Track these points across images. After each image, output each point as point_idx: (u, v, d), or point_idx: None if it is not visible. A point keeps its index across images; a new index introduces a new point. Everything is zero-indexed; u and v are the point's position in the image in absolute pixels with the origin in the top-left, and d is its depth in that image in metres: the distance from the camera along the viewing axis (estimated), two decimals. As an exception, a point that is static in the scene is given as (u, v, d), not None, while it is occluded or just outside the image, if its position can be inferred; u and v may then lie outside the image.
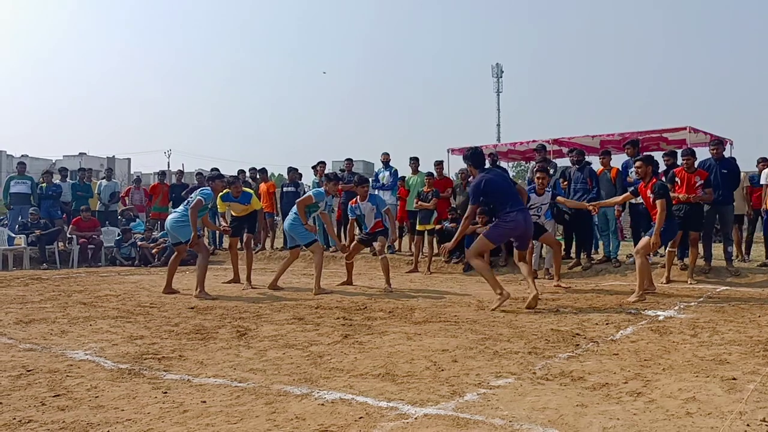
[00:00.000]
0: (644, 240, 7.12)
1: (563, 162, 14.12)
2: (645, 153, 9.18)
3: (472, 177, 6.96)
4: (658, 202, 7.00)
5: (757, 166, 10.17)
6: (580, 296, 7.30)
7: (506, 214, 6.41)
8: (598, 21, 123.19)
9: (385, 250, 8.52)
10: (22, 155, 49.18)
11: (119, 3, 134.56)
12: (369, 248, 11.33)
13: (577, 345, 4.54)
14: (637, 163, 7.74)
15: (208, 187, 7.94)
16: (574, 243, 10.08)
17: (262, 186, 13.02)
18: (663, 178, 8.81)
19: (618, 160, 10.32)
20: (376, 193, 10.52)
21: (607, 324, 5.40)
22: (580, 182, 9.41)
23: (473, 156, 6.71)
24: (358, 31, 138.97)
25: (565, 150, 13.89)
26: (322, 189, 8.20)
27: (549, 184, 8.48)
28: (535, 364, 3.96)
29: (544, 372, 3.76)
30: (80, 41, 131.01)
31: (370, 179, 11.21)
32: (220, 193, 8.69)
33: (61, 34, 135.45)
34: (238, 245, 9.38)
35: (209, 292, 7.53)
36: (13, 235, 12.66)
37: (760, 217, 9.82)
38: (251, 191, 9.31)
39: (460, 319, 5.70)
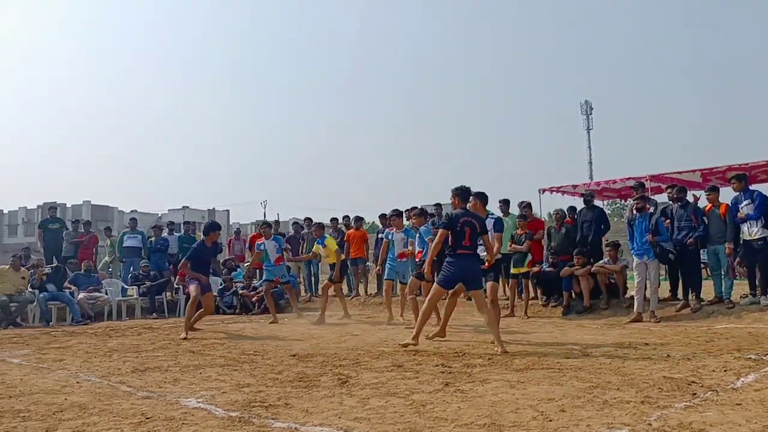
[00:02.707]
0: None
1: (662, 199, 13.59)
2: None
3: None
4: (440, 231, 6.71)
5: None
6: (691, 340, 6.88)
7: None
8: (690, 51, 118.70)
9: (414, 291, 9.14)
10: (132, 210, 52.73)
11: (216, 59, 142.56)
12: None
13: (694, 394, 4.28)
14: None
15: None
16: (680, 284, 9.55)
17: (351, 232, 13.21)
18: None
19: (726, 195, 9.74)
20: None
21: (725, 371, 5.06)
22: (683, 220, 8.99)
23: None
24: (456, 76, 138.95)
25: (663, 186, 13.33)
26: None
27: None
28: (649, 415, 3.75)
29: (661, 423, 3.56)
30: (176, 103, 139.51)
31: None
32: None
33: (164, 95, 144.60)
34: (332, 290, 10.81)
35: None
36: (126, 287, 13.55)
37: None
38: (327, 235, 11.28)
39: (564, 366, 5.52)
